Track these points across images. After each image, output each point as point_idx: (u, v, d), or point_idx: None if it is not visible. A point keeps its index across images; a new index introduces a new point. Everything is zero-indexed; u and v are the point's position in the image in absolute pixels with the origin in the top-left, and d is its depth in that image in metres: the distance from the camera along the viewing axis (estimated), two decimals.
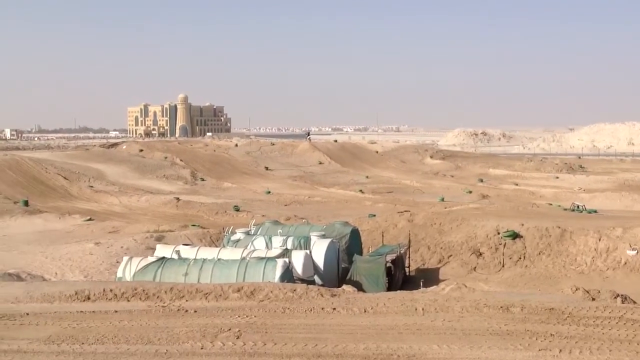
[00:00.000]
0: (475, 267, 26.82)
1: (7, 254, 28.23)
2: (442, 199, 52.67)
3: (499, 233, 28.19)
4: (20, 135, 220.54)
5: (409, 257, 27.09)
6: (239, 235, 25.41)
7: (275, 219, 32.30)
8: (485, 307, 14.07)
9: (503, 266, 26.57)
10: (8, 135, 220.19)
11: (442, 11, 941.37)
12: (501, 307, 14.05)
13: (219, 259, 20.58)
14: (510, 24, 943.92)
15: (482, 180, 73.76)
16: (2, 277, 22.53)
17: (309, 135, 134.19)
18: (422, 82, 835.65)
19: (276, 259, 19.98)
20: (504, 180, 74.37)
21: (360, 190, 62.82)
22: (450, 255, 27.90)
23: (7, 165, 63.61)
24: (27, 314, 14.49)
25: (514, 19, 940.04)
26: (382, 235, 29.98)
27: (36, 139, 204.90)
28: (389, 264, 23.18)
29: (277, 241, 23.92)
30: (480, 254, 27.41)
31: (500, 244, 27.56)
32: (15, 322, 13.84)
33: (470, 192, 60.11)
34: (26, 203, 45.98)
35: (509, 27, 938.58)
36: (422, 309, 14.03)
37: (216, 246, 26.79)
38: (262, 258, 20.31)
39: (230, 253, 21.69)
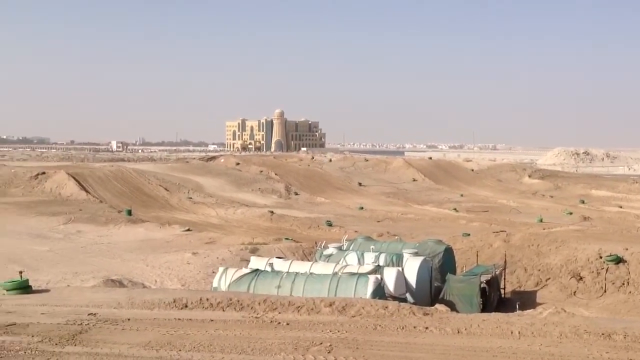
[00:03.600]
0: (575, 292, 25.76)
1: (111, 261, 29.53)
2: (541, 220, 51.06)
3: (601, 257, 26.97)
4: (125, 147, 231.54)
5: (504, 279, 26.34)
6: (331, 250, 25.50)
7: (368, 235, 32.24)
8: (586, 334, 13.50)
9: (605, 292, 25.38)
10: (114, 147, 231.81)
11: (539, 28, 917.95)
12: (602, 334, 13.43)
13: (311, 273, 20.73)
14: (618, 38, 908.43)
15: (583, 202, 71.06)
16: (105, 283, 23.60)
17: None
18: (520, 99, 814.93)
19: (368, 275, 19.92)
20: (607, 202, 71.37)
21: (455, 209, 61.83)
22: (549, 278, 26.94)
23: (113, 175, 66.77)
24: (129, 319, 15.11)
25: (621, 31, 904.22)
26: (477, 255, 29.31)
27: (140, 151, 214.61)
28: (483, 285, 22.63)
29: (369, 257, 23.84)
30: (581, 278, 26.30)
31: (602, 269, 26.35)
32: (117, 327, 14.45)
33: (571, 213, 57.93)
34: (129, 212, 47.95)
35: (617, 41, 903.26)
36: (519, 333, 13.62)
37: (309, 260, 26.99)
38: (354, 274, 20.29)
39: (322, 267, 21.80)
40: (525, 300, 24.47)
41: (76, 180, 59.90)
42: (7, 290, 18.70)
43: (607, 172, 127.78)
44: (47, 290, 19.48)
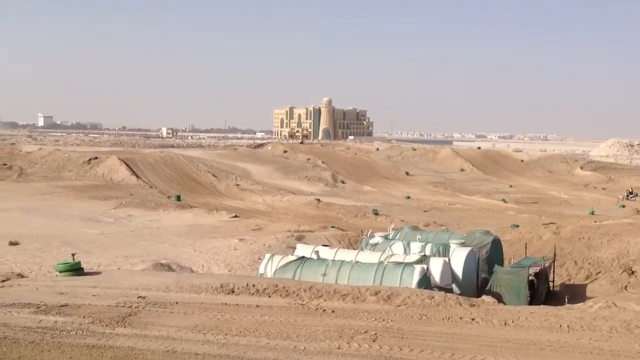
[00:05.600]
0: (626, 286, 25.13)
1: (160, 245, 30.03)
2: (592, 212, 49.97)
3: None
4: (175, 133, 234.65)
5: (553, 271, 25.84)
6: (377, 239, 25.42)
7: (414, 225, 32.04)
8: (637, 329, 13.18)
9: None
10: (164, 134, 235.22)
11: (592, 19, 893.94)
12: None
13: (356, 262, 20.70)
14: None
15: (637, 194, 69.13)
16: (154, 266, 24.00)
17: None
18: (573, 89, 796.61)
19: (414, 265, 19.78)
20: None
21: (503, 200, 60.98)
22: (599, 272, 26.34)
23: (163, 161, 67.85)
24: (177, 302, 15.36)
25: None
26: (525, 247, 28.82)
27: (189, 137, 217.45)
28: (531, 277, 22.22)
29: (415, 247, 23.70)
30: (633, 272, 25.65)
31: None
32: (166, 309, 14.71)
33: (624, 206, 56.55)
34: (178, 198, 48.72)
35: None
36: (568, 326, 13.37)
37: (354, 249, 26.99)
38: (399, 263, 20.18)
39: (368, 256, 21.75)
40: (575, 293, 23.97)
41: (127, 166, 61.10)
42: (60, 272, 19.24)
43: None
44: (98, 273, 19.94)
